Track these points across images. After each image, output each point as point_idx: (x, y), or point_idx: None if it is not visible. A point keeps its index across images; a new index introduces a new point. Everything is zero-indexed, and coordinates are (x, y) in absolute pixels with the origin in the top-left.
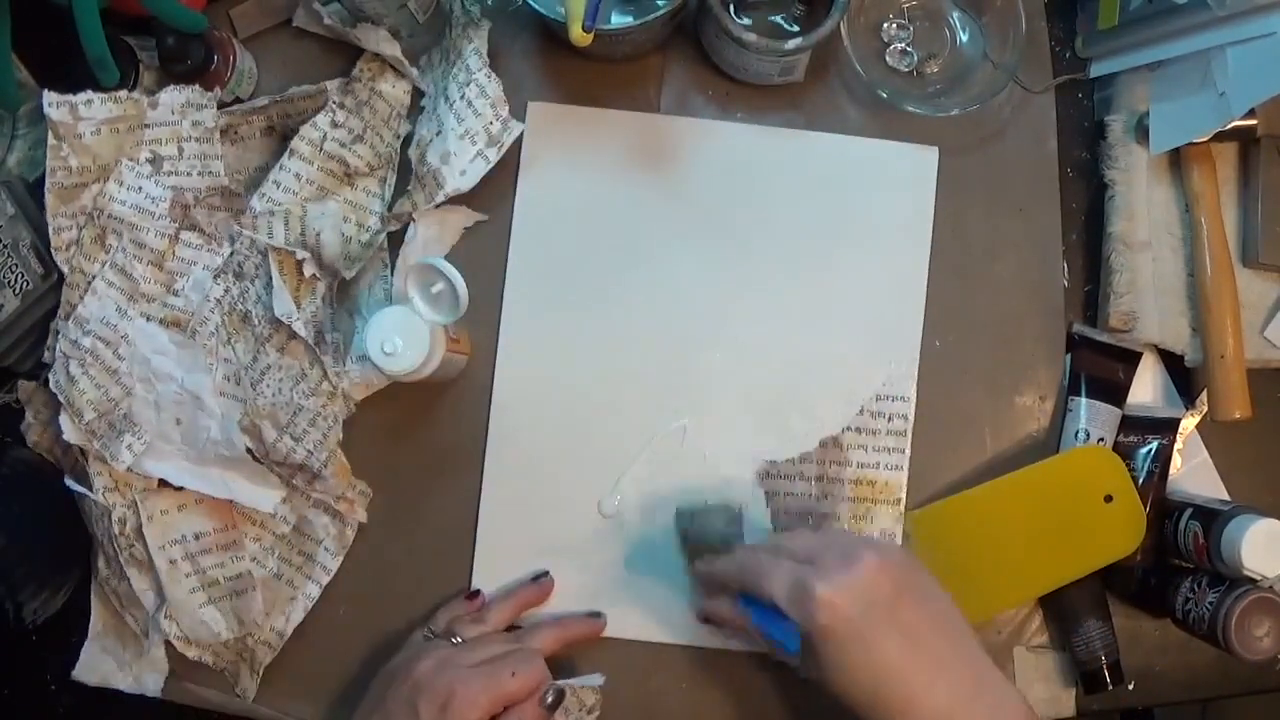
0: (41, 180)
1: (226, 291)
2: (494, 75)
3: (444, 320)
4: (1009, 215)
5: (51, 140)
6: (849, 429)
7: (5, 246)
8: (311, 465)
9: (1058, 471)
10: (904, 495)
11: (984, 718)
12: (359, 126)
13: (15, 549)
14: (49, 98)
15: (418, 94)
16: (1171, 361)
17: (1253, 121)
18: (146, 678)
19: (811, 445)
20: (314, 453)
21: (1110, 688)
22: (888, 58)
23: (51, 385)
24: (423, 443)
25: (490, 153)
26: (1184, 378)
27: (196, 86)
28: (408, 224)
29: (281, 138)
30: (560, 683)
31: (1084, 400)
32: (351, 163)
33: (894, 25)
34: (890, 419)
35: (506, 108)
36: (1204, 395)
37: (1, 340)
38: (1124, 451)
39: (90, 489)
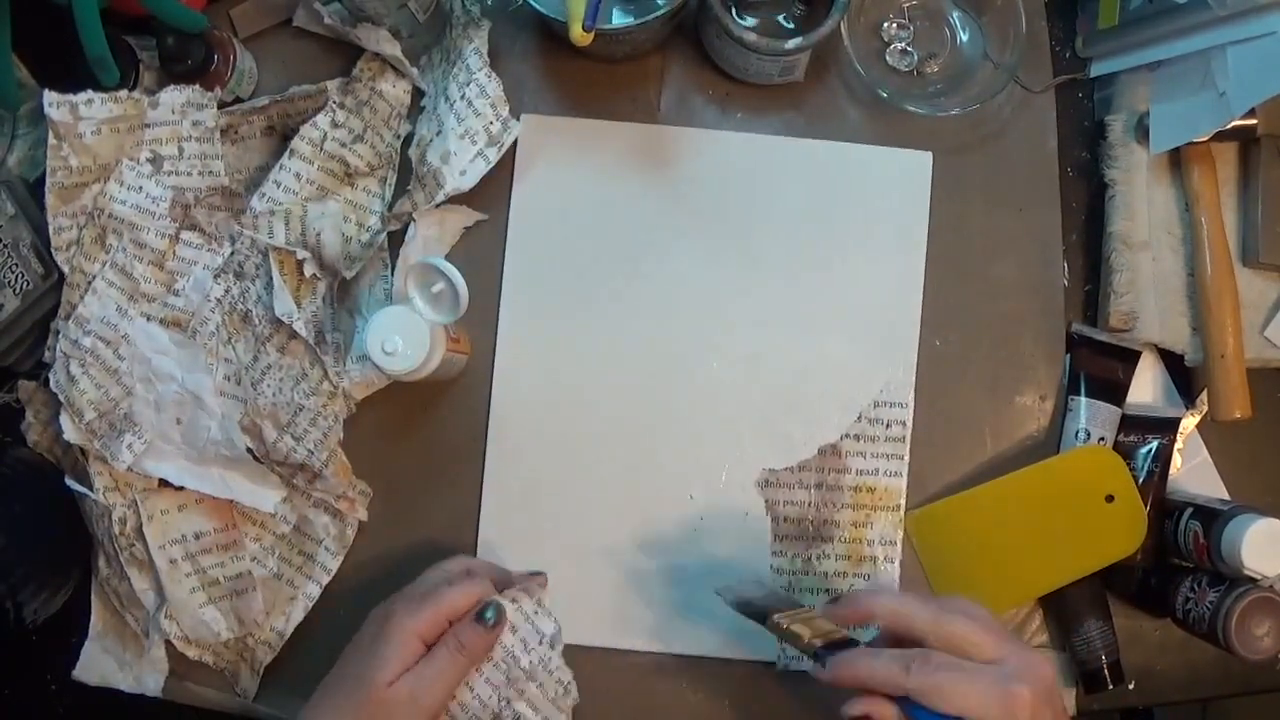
0: (42, 180)
1: (227, 291)
2: (494, 75)
3: (444, 320)
4: (1009, 215)
5: (52, 140)
6: (848, 436)
7: (5, 246)
8: (312, 465)
9: (1058, 471)
10: (903, 501)
11: None
12: (359, 126)
13: (15, 549)
14: (49, 98)
15: (418, 94)
16: (1171, 361)
17: (1253, 121)
18: (146, 678)
19: (810, 453)
20: (314, 452)
21: (1110, 687)
22: (888, 57)
23: (52, 385)
24: (423, 443)
25: (490, 152)
26: (1184, 377)
27: (197, 86)
28: (408, 224)
29: (282, 138)
30: (500, 597)
31: (1084, 400)
32: (352, 162)
33: (894, 25)
34: (889, 425)
35: (506, 107)
36: (1204, 395)
37: (1, 340)
38: (1124, 451)
39: (90, 489)
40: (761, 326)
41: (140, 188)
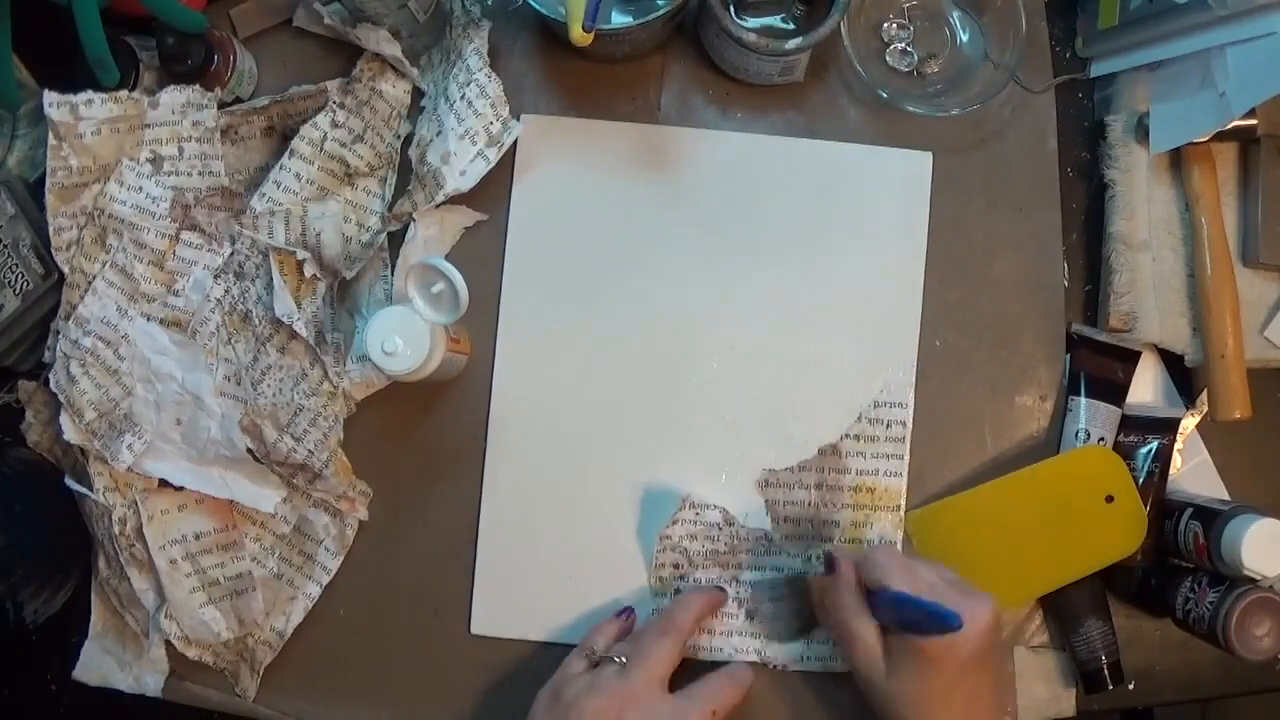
0: (42, 180)
1: (227, 291)
2: (494, 75)
3: (444, 320)
4: (1009, 215)
5: (52, 140)
6: (848, 436)
7: (5, 246)
8: (312, 465)
9: (1058, 471)
10: (903, 502)
11: None
12: (359, 126)
13: (15, 549)
14: (49, 98)
15: (418, 94)
16: (1171, 361)
17: (1253, 121)
18: (146, 678)
19: (810, 453)
20: (315, 453)
21: (1111, 688)
22: (888, 58)
23: (52, 385)
24: (423, 443)
25: (490, 153)
26: (1184, 378)
27: (197, 86)
28: (408, 224)
29: (282, 138)
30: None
31: (1084, 400)
32: (352, 163)
33: (894, 25)
34: (889, 426)
35: (507, 108)
36: (1204, 395)
37: (1, 340)
38: (1124, 451)
39: (90, 489)
40: (761, 326)
41: (140, 188)
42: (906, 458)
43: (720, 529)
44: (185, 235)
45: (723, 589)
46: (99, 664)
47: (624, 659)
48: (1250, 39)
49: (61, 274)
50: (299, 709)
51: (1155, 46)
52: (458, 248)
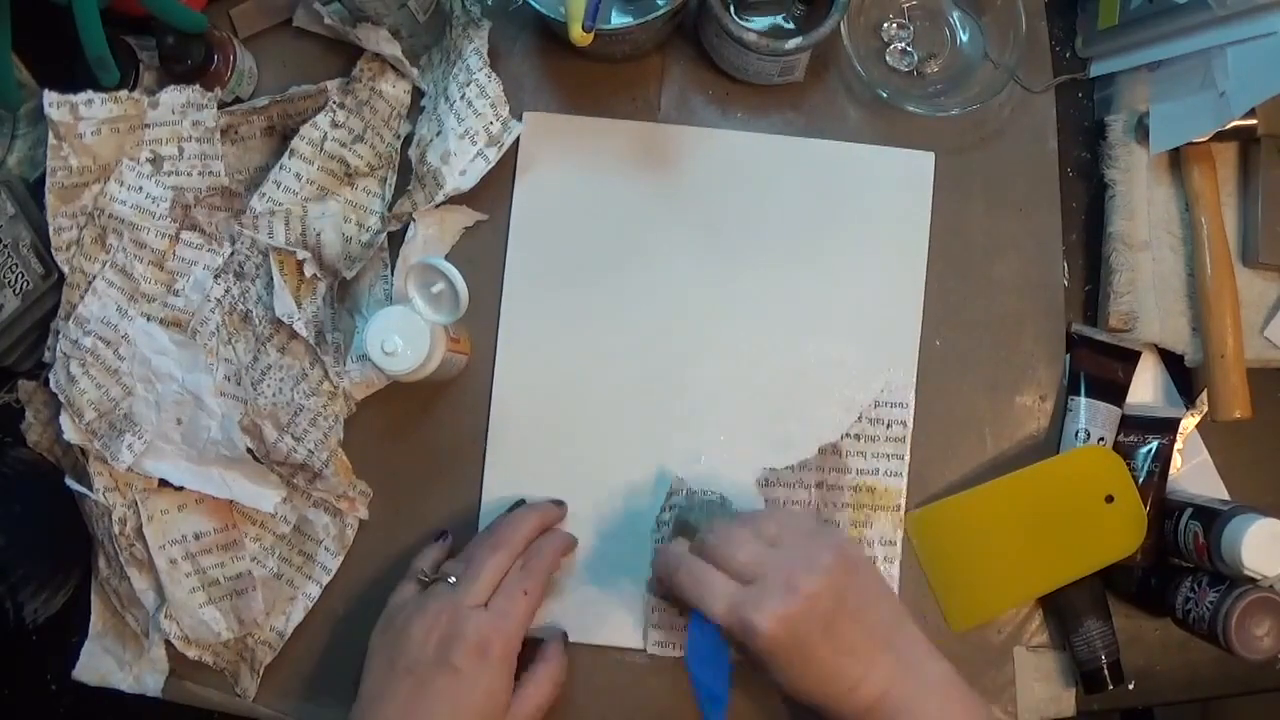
0: (42, 180)
1: (227, 291)
2: (494, 75)
3: (444, 320)
4: (1009, 215)
5: (52, 140)
6: (848, 436)
7: (5, 246)
8: (312, 465)
9: (1058, 471)
10: (903, 501)
11: (916, 688)
12: (359, 126)
13: (15, 549)
14: (49, 98)
15: (418, 94)
16: (1171, 361)
17: (1253, 121)
18: (146, 678)
19: (811, 452)
20: (315, 453)
21: (1110, 687)
22: (888, 58)
23: (52, 385)
24: (423, 443)
25: (490, 152)
26: (1184, 378)
27: (197, 86)
28: (408, 224)
29: (282, 138)
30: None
31: (1084, 400)
32: (352, 162)
33: (894, 25)
34: (889, 425)
35: (506, 107)
36: (1204, 395)
37: (1, 340)
38: (1124, 451)
39: (90, 489)
40: (761, 325)
41: (140, 188)
42: (907, 457)
43: (719, 509)
44: (185, 235)
45: (561, 502)
46: (99, 664)
47: (454, 578)
48: (1250, 39)
49: (61, 274)
50: (299, 709)
51: (1155, 46)
52: (458, 248)
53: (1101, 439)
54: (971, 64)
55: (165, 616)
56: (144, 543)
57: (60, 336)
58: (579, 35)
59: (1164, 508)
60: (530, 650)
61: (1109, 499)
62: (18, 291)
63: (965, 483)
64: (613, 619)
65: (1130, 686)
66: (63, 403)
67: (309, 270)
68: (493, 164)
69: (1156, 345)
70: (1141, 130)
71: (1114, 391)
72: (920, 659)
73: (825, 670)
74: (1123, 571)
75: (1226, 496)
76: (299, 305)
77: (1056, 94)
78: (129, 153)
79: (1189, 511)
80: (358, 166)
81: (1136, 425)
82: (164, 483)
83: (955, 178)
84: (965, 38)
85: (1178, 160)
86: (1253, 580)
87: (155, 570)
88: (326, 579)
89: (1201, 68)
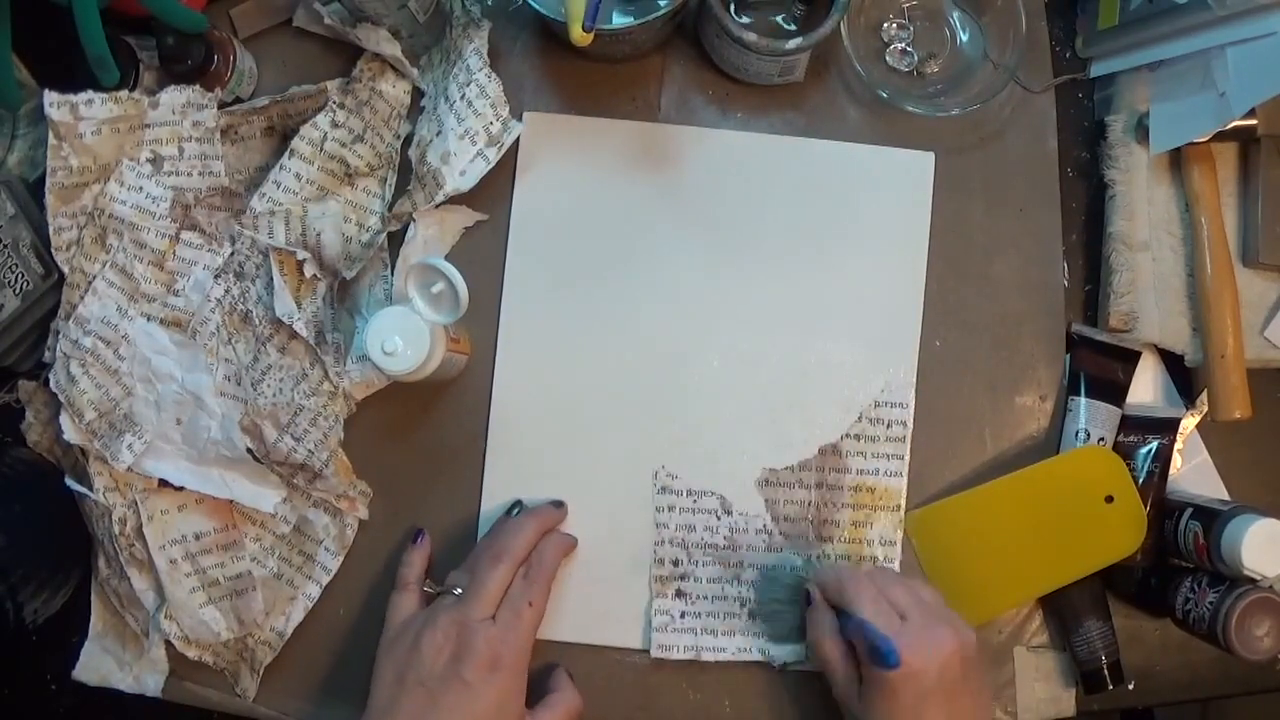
0: (42, 180)
1: (227, 291)
2: (494, 75)
3: (444, 320)
4: (1009, 215)
5: (52, 140)
6: (848, 436)
7: (5, 246)
8: (312, 465)
9: (1058, 471)
10: (903, 502)
11: None
12: (359, 126)
13: (15, 549)
14: (49, 98)
15: (418, 94)
16: (1171, 361)
17: (1253, 121)
18: (146, 678)
19: (811, 452)
20: (315, 453)
21: (1110, 688)
22: (888, 58)
23: (52, 385)
24: (423, 443)
25: (490, 153)
26: (1184, 378)
27: (197, 86)
28: (408, 224)
29: (282, 138)
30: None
31: (1084, 400)
32: (352, 163)
33: (894, 25)
34: (889, 425)
35: (507, 108)
36: (1204, 395)
37: (1, 340)
38: (1124, 451)
39: (90, 489)
40: (762, 326)
41: (140, 188)
42: (907, 457)
43: (719, 517)
44: (185, 235)
45: (560, 503)
46: (99, 664)
47: (459, 590)
48: (1250, 39)
49: (61, 274)
50: (299, 709)
51: (1155, 46)
52: (458, 248)
53: (1101, 439)
54: (971, 64)
55: (165, 617)
56: (144, 543)
57: (60, 336)
58: (579, 35)
59: (1164, 508)
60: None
61: (1109, 499)
62: (18, 291)
63: (965, 483)
64: (613, 619)
65: (1130, 686)
66: (63, 403)
67: (309, 270)
68: (493, 164)
69: (1156, 345)
70: (1141, 130)
71: (1114, 391)
72: None
73: None
74: (1123, 571)
75: (1226, 496)
76: (299, 305)
77: (1056, 94)
78: (129, 153)
79: (1189, 511)
80: (358, 166)
81: (1136, 425)
82: (164, 483)
83: (955, 178)
84: (965, 38)
85: (1178, 160)
86: (1253, 580)
87: (155, 570)
88: (326, 579)
89: (1201, 68)
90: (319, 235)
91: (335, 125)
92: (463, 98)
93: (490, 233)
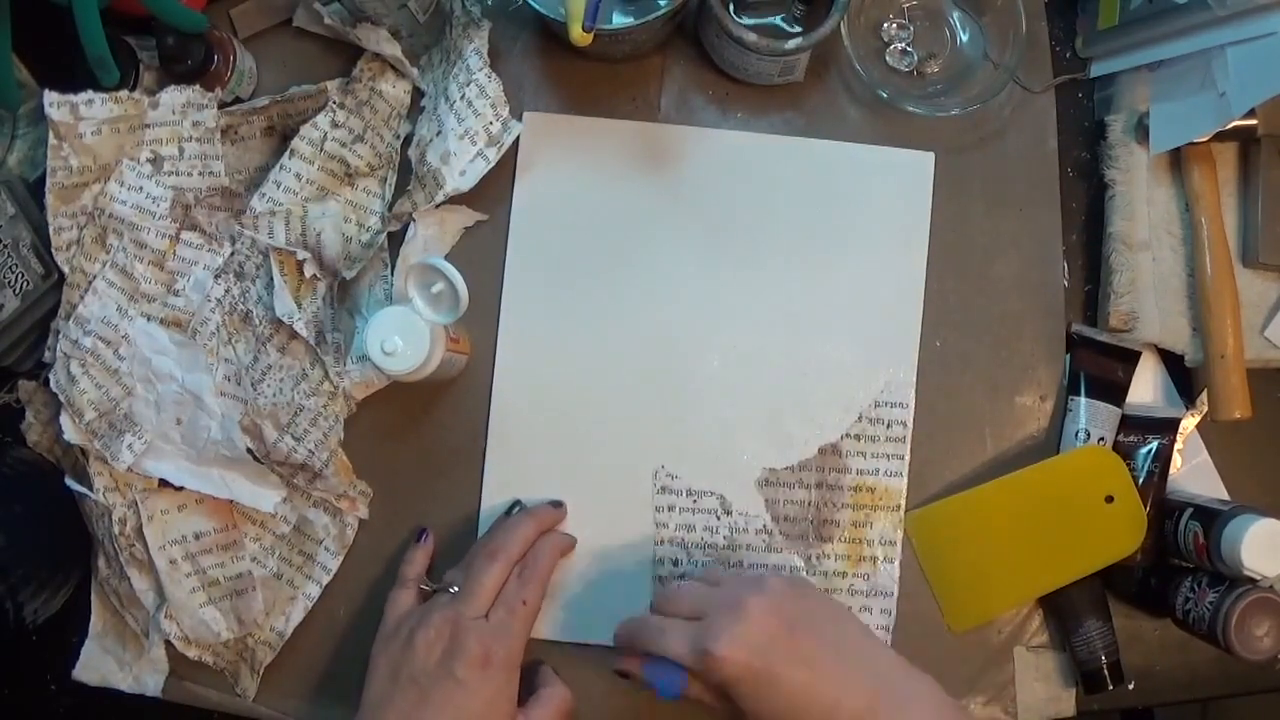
0: (42, 180)
1: (227, 291)
2: (494, 75)
3: (444, 320)
4: (1009, 215)
5: (52, 140)
6: (848, 436)
7: (5, 246)
8: (312, 465)
9: (1058, 471)
10: (904, 502)
11: (899, 703)
12: (359, 126)
13: (15, 549)
14: (49, 97)
15: (418, 94)
16: (1171, 361)
17: (1253, 121)
18: (146, 678)
19: (811, 452)
20: (315, 453)
21: (1110, 688)
22: (888, 58)
23: (52, 385)
24: (423, 443)
25: (490, 153)
26: (1184, 378)
27: (197, 86)
28: (408, 224)
29: (282, 138)
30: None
31: (1084, 400)
32: (352, 163)
33: (894, 25)
34: (889, 425)
35: (506, 108)
36: (1204, 395)
37: (1, 340)
38: (1124, 451)
39: (90, 489)
40: (762, 326)
41: (140, 188)
42: (907, 458)
43: (719, 517)
44: (185, 235)
45: (559, 503)
46: (99, 664)
47: (455, 588)
48: (1250, 39)
49: (61, 274)
50: (299, 709)
51: (1155, 46)
52: (458, 248)
53: (1101, 439)
54: (971, 64)
55: (165, 616)
56: (144, 543)
57: (60, 336)
58: (579, 35)
59: (1164, 508)
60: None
61: (1109, 499)
62: (18, 291)
63: (965, 483)
64: (613, 619)
65: (1130, 686)
66: (63, 403)
67: (309, 270)
68: (492, 164)
69: (1156, 345)
70: (1141, 130)
71: (1114, 391)
72: (898, 675)
73: (796, 693)
74: (1123, 571)
75: (1226, 496)
76: (299, 305)
77: (1056, 94)
78: (129, 153)
79: (1189, 511)
80: (358, 166)
81: (1136, 425)
82: (164, 483)
83: (955, 178)
84: (965, 38)
85: (1178, 160)
86: (1253, 580)
87: (155, 570)
88: (326, 579)
89: (1201, 68)
90: (319, 235)
91: (335, 125)
92: (463, 98)
93: (490, 233)
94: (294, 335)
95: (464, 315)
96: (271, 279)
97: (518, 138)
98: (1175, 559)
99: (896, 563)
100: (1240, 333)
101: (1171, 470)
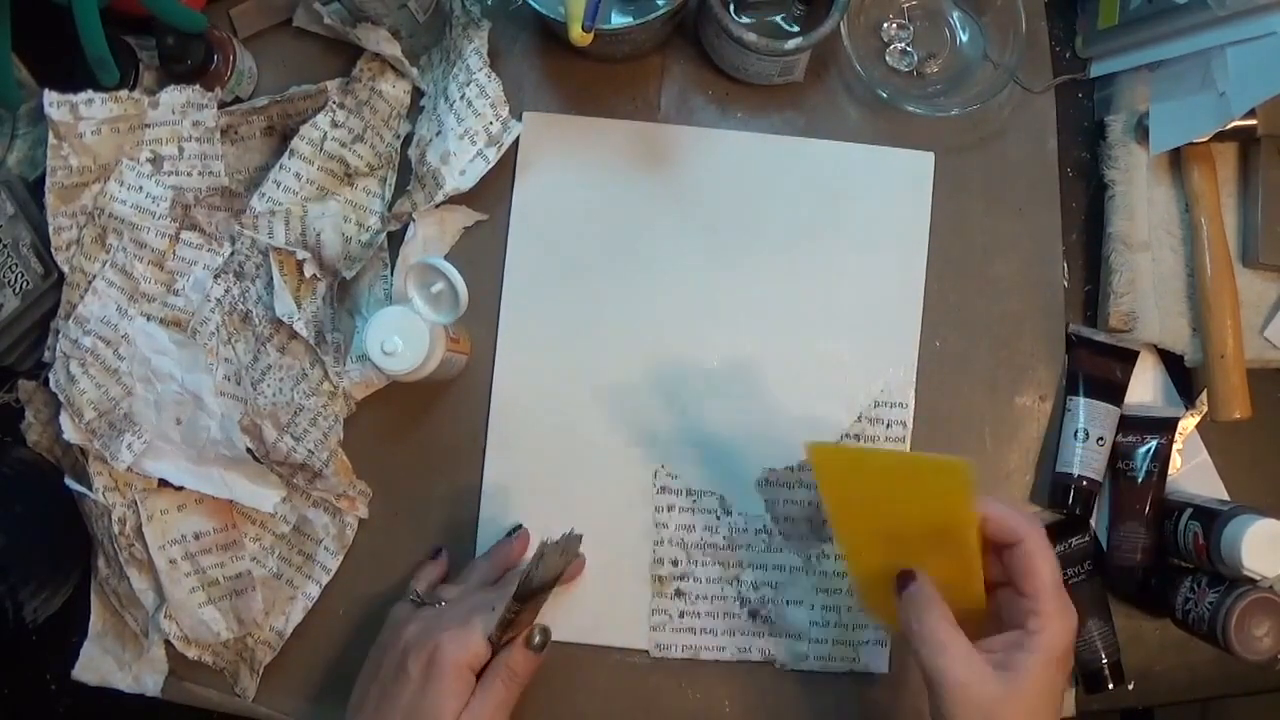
0: (42, 180)
1: (227, 291)
2: (494, 75)
3: (444, 320)
4: (1009, 215)
5: (52, 140)
6: (848, 436)
7: (5, 246)
8: (312, 465)
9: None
10: None
11: None
12: (359, 126)
13: (15, 549)
14: (49, 97)
15: (418, 94)
16: (1171, 361)
17: (1253, 121)
18: (146, 678)
19: None
20: (315, 452)
21: (1110, 687)
22: (888, 58)
23: (51, 385)
24: (423, 443)
25: (490, 153)
26: (1184, 378)
27: (197, 86)
28: (408, 224)
29: (281, 138)
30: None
31: (1082, 400)
32: (351, 162)
33: (894, 25)
34: (889, 425)
35: (506, 108)
36: (1204, 395)
37: (1, 340)
38: (1123, 450)
39: (90, 489)
40: (762, 325)
41: (140, 188)
42: None
43: (719, 517)
44: (185, 235)
45: (577, 538)
46: (99, 664)
47: (444, 602)
48: (1250, 39)
49: (61, 274)
50: (299, 709)
51: (1155, 46)
52: (458, 248)
53: (1101, 438)
54: (971, 64)
55: (165, 616)
56: (143, 543)
57: (60, 336)
58: (579, 35)
59: (1164, 508)
60: None
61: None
62: (18, 291)
63: None
64: (613, 619)
65: (1130, 686)
66: (63, 402)
67: (309, 270)
68: (492, 164)
69: (1156, 345)
70: (1141, 130)
71: (1112, 391)
72: None
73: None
74: (1123, 571)
75: (1226, 496)
76: (299, 305)
77: (1056, 94)
78: (129, 153)
79: (1189, 511)
80: (358, 166)
81: (1135, 425)
82: (164, 483)
83: (955, 178)
84: (965, 38)
85: (1178, 160)
86: (1252, 580)
87: (155, 570)
88: (326, 579)
89: (1201, 68)
90: (319, 235)
91: (335, 125)
92: (462, 98)
93: (490, 233)
94: (294, 335)
95: (464, 315)
96: (271, 279)
97: (517, 138)
98: (1175, 559)
99: None
100: (1240, 333)
101: (1171, 470)
